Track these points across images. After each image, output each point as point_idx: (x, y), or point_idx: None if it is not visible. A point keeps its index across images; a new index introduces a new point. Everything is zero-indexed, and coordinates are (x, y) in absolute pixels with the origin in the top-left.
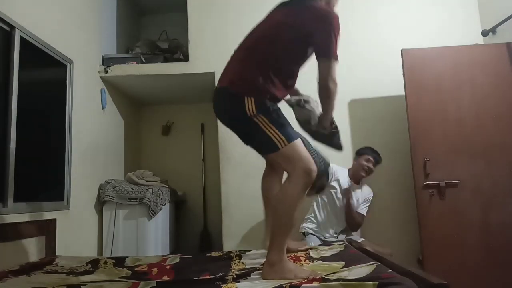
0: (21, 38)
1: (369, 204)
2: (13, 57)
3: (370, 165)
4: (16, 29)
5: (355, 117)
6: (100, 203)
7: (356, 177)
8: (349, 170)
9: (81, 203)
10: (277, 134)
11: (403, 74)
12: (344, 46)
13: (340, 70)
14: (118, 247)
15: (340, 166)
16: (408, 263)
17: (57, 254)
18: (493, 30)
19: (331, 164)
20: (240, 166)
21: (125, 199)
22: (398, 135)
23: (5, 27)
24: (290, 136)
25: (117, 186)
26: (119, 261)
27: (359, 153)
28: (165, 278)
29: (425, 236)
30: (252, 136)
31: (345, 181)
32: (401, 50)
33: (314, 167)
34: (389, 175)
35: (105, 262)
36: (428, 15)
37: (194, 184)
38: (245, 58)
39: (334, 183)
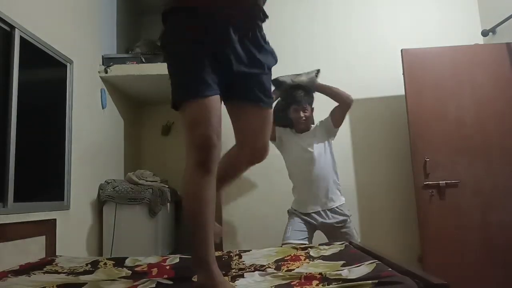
0: (21, 38)
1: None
2: (13, 57)
3: (301, 113)
4: (16, 29)
5: (355, 117)
6: (100, 203)
7: (302, 129)
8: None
9: (81, 203)
10: (174, 84)
11: (403, 74)
12: (344, 46)
13: (340, 70)
14: (118, 247)
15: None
16: (408, 263)
17: (57, 254)
18: (493, 30)
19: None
20: None
21: (125, 199)
22: (398, 135)
23: (5, 27)
24: (184, 91)
25: (117, 186)
26: (119, 261)
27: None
28: (165, 278)
29: (425, 236)
30: None
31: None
32: (401, 50)
33: (209, 140)
34: (389, 175)
35: (105, 263)
36: (428, 15)
37: None
38: None
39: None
